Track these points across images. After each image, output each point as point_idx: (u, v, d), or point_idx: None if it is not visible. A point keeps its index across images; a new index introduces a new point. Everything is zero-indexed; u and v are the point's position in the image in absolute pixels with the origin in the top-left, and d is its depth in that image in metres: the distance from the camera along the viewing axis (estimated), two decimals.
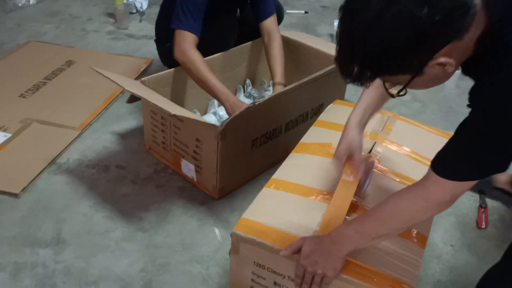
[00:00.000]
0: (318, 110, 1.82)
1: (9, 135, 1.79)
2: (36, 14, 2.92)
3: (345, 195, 1.10)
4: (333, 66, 1.79)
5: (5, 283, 1.27)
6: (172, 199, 1.59)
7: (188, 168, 1.63)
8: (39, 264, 1.33)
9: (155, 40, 2.05)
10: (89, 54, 2.45)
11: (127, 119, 1.96)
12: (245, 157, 1.61)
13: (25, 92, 2.07)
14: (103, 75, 1.45)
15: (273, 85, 1.81)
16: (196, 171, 1.61)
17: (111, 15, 2.92)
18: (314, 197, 1.15)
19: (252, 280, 1.12)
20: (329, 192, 1.16)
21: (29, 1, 2.99)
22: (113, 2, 2.79)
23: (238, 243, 1.08)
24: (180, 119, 1.54)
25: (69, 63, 2.33)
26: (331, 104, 1.57)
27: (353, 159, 1.12)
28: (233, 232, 1.07)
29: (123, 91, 2.08)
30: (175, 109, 1.42)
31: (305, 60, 2.01)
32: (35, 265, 1.32)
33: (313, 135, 1.41)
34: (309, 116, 1.81)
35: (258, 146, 1.63)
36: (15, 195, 1.54)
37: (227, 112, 1.60)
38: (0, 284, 1.26)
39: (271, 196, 1.17)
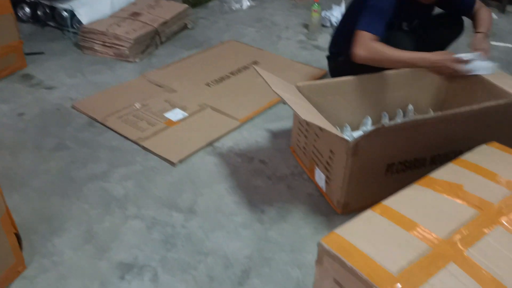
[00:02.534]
0: None
1: (186, 114, 2.11)
2: (244, 18, 3.30)
3: None
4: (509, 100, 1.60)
5: (140, 231, 1.52)
6: (298, 202, 1.65)
7: (320, 177, 1.67)
8: (170, 225, 1.55)
9: (327, 56, 2.13)
10: (274, 58, 2.67)
11: (284, 121, 2.09)
12: (377, 180, 1.56)
13: (211, 81, 2.39)
14: (259, 73, 1.60)
15: (474, 35, 1.86)
16: (326, 181, 1.63)
17: (306, 26, 3.11)
18: (416, 234, 1.07)
19: None
20: (435, 235, 1.06)
21: (242, 6, 3.41)
22: (310, 14, 2.97)
23: (322, 255, 1.09)
24: (320, 128, 1.58)
25: (254, 63, 2.59)
26: (484, 145, 1.40)
27: None
28: (320, 243, 1.08)
29: None
30: (310, 116, 1.47)
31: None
32: (166, 224, 1.55)
33: (446, 171, 1.29)
34: None
35: (394, 172, 1.57)
36: (172, 164, 1.82)
37: (436, 68, 1.69)
38: (136, 230, 1.52)
39: (371, 220, 1.13)
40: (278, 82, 1.65)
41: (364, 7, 1.74)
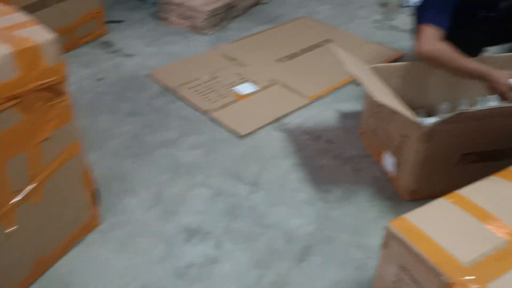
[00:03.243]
0: None
1: (256, 88, 2.12)
2: None
3: None
4: None
5: (206, 199, 1.57)
6: (363, 185, 1.62)
7: (388, 161, 1.62)
8: (234, 195, 1.58)
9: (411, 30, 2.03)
10: (347, 36, 2.61)
11: (355, 102, 2.05)
12: (448, 169, 1.49)
13: (282, 57, 2.38)
14: (334, 52, 1.57)
15: None
16: (394, 166, 1.59)
17: (383, 5, 3.00)
18: (492, 226, 1.02)
19: (393, 282, 1.09)
20: None
21: None
22: None
23: (389, 238, 1.06)
24: (394, 111, 1.53)
25: (327, 41, 2.53)
26: None
27: None
28: (388, 226, 1.06)
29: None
30: (384, 97, 1.43)
31: None
32: (231, 194, 1.58)
33: None
34: None
35: (468, 163, 1.49)
36: (239, 136, 1.84)
37: (494, 86, 1.52)
38: (202, 197, 1.57)
39: (444, 208, 1.09)
40: (353, 62, 1.61)
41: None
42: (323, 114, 1.99)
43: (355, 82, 2.18)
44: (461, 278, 0.91)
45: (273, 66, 2.31)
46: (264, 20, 2.86)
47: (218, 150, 1.78)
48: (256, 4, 3.03)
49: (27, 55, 1.02)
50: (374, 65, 1.70)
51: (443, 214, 1.07)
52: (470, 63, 1.53)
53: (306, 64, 2.33)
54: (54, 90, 1.12)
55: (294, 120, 1.95)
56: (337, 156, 1.75)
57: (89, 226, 1.42)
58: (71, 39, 2.43)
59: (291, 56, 2.39)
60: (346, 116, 1.97)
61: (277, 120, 1.94)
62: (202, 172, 1.68)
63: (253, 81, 2.17)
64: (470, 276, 0.91)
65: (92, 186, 1.39)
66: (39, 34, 1.07)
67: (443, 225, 1.04)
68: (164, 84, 2.18)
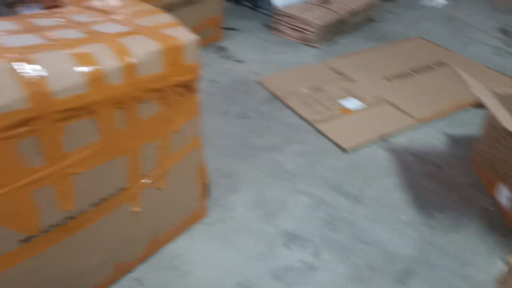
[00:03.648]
0: None
1: (362, 105, 2.12)
2: (434, 15, 3.14)
3: None
4: None
5: (306, 206, 1.59)
6: (471, 215, 1.55)
7: (503, 194, 1.54)
8: (335, 207, 1.59)
9: None
10: (462, 60, 2.50)
11: (468, 128, 1.96)
12: None
13: (391, 76, 2.35)
14: (458, 73, 1.52)
15: None
16: (510, 201, 1.50)
17: (505, 32, 2.84)
18: None
19: None
20: None
21: (433, 4, 3.24)
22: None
23: (510, 273, 1.01)
24: None
25: (439, 63, 2.46)
26: None
27: None
28: (508, 260, 1.01)
29: (478, 106, 2.07)
30: None
31: None
32: (332, 206, 1.60)
33: None
34: None
35: None
36: (344, 150, 1.85)
37: None
38: (303, 204, 1.60)
39: None
40: (478, 86, 1.55)
41: None
42: (432, 137, 1.93)
43: (471, 107, 2.09)
44: None
45: (381, 84, 2.29)
46: (374, 37, 2.85)
47: (321, 161, 1.81)
48: (367, 21, 3.03)
49: (172, 53, 1.12)
50: (497, 90, 1.62)
51: None
52: None
53: (416, 85, 2.28)
54: (188, 87, 1.22)
55: (400, 140, 1.91)
56: (444, 182, 1.69)
57: (197, 216, 1.51)
58: None
59: (400, 76, 2.35)
60: (456, 142, 1.90)
61: (382, 138, 1.92)
62: (304, 180, 1.71)
63: (359, 97, 2.17)
64: None
65: (205, 180, 1.48)
66: (183, 34, 1.17)
67: None
68: (271, 91, 2.25)
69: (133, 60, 1.04)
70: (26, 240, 1.02)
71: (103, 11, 1.26)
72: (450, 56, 2.55)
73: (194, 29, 2.80)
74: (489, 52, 2.65)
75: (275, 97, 2.22)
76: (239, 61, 2.56)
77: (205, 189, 1.50)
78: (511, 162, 1.51)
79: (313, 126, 2.00)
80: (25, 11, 2.80)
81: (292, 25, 2.79)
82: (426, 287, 1.31)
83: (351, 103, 2.13)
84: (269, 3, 3.01)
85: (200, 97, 1.29)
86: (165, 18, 1.25)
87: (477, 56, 2.60)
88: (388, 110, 2.09)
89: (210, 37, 2.70)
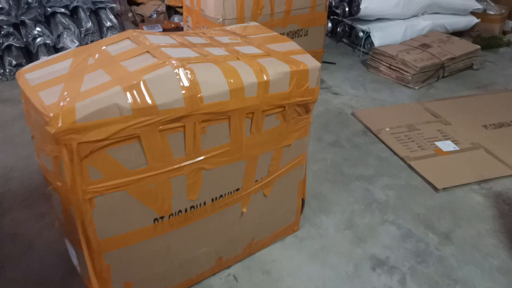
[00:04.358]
0: None
1: (457, 148, 2.14)
2: None
3: None
4: None
5: (395, 236, 1.65)
6: None
7: None
8: (424, 241, 1.63)
9: None
10: None
11: None
12: None
13: (489, 124, 2.35)
14: None
15: None
16: None
17: None
18: None
19: None
20: None
21: None
22: None
23: None
24: None
25: None
26: None
27: None
28: None
29: None
30: None
31: None
32: (421, 239, 1.63)
33: None
34: None
35: None
36: (436, 189, 1.88)
37: None
38: (392, 234, 1.65)
39: None
40: None
41: None
42: None
43: None
44: None
45: (478, 130, 2.30)
46: (473, 85, 2.85)
47: (412, 197, 1.85)
48: (468, 68, 3.04)
49: (299, 76, 1.27)
50: None
51: None
52: None
53: None
54: (306, 108, 1.35)
55: (496, 188, 1.91)
56: None
57: (291, 229, 1.62)
58: None
59: (499, 125, 2.34)
60: None
61: (477, 183, 1.93)
62: (393, 211, 1.77)
63: (455, 140, 2.19)
64: None
65: (303, 195, 1.59)
66: (309, 61, 1.31)
67: None
68: (366, 124, 2.34)
69: (268, 78, 1.20)
70: (158, 219, 1.18)
71: (240, 35, 1.44)
72: None
73: None
74: None
75: (369, 130, 2.30)
76: (335, 93, 2.69)
77: (302, 204, 1.61)
78: None
79: (405, 162, 2.05)
80: (148, 29, 3.15)
81: (390, 64, 2.88)
82: None
83: (446, 145, 2.16)
84: (368, 42, 3.12)
85: (311, 119, 1.42)
86: (292, 45, 1.41)
87: None
88: (483, 156, 2.09)
89: None
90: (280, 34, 2.60)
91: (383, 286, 1.45)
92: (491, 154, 2.10)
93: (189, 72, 1.08)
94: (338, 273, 1.49)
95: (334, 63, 3.07)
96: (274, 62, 1.26)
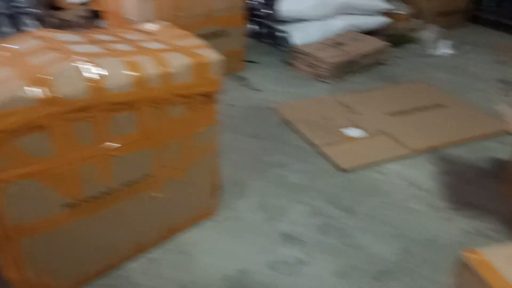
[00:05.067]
0: None
1: (364, 134, 2.36)
2: (439, 64, 3.41)
3: None
4: None
5: (303, 214, 1.82)
6: (450, 233, 1.74)
7: None
8: (329, 216, 1.81)
9: None
10: (458, 104, 2.74)
11: (454, 162, 2.18)
12: None
13: (393, 112, 2.59)
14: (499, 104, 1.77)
15: None
16: None
17: (504, 82, 3.07)
18: None
19: None
20: None
21: (440, 53, 3.52)
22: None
23: (462, 270, 1.20)
24: None
25: (438, 105, 2.69)
26: None
27: None
28: (462, 256, 1.20)
29: (471, 141, 2.31)
30: None
31: None
32: (326, 215, 1.81)
33: None
34: None
35: None
36: (342, 170, 2.08)
37: None
38: (300, 212, 1.82)
39: None
40: None
41: None
42: (422, 166, 2.14)
43: (464, 145, 2.31)
44: None
45: (383, 118, 2.53)
46: (381, 78, 3.12)
47: (321, 178, 2.03)
48: (376, 63, 3.30)
49: (200, 67, 1.40)
50: None
51: None
52: None
53: (415, 121, 2.51)
54: (210, 97, 1.48)
55: (394, 167, 2.14)
56: (428, 204, 1.90)
57: (208, 213, 1.74)
58: None
59: (402, 113, 2.60)
60: (442, 172, 2.11)
61: (378, 163, 2.15)
62: (304, 192, 1.94)
63: (362, 128, 2.41)
64: None
65: (217, 181, 1.72)
66: (209, 54, 1.45)
67: None
68: (283, 117, 2.51)
69: (170, 70, 1.31)
70: (69, 206, 1.26)
71: (148, 33, 1.55)
72: (450, 100, 2.79)
73: None
74: (486, 100, 2.88)
75: (286, 122, 2.47)
76: (256, 90, 2.85)
77: (217, 190, 1.74)
78: None
79: (317, 149, 2.24)
80: None
81: (307, 61, 3.08)
82: (399, 286, 1.51)
83: (354, 132, 2.37)
84: (288, 41, 3.32)
85: (218, 108, 1.55)
86: (196, 41, 1.54)
87: (475, 103, 2.82)
88: (386, 140, 2.32)
89: (232, 68, 3.01)
90: (201, 35, 2.73)
91: (291, 257, 1.61)
92: (392, 138, 2.34)
93: (92, 65, 1.18)
94: (251, 249, 1.63)
95: (258, 62, 3.23)
96: (177, 56, 1.38)
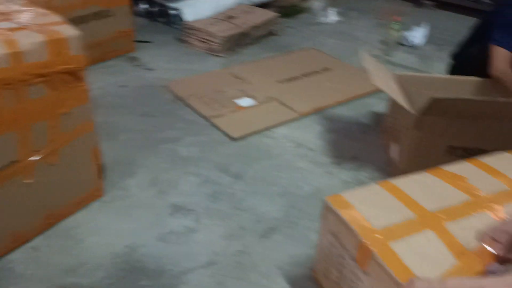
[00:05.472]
0: None
1: (254, 102, 2.42)
2: (329, 30, 3.56)
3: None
4: None
5: (194, 184, 1.84)
6: (331, 186, 1.86)
7: (393, 150, 1.86)
8: (219, 183, 1.85)
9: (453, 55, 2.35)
10: (345, 66, 2.90)
11: (338, 120, 2.31)
12: (438, 157, 1.72)
13: (283, 79, 2.68)
14: (366, 67, 1.89)
15: None
16: (397, 154, 1.90)
17: (385, 43, 3.28)
18: (407, 205, 1.24)
19: (328, 247, 1.31)
20: (424, 208, 1.22)
21: (329, 20, 3.67)
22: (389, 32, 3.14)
23: (326, 211, 1.30)
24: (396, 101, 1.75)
25: (325, 69, 2.83)
26: (505, 152, 1.51)
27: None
28: (325, 200, 1.29)
29: (354, 99, 2.45)
30: (382, 84, 1.82)
31: None
32: (216, 183, 1.85)
33: (458, 166, 1.42)
34: None
35: (455, 156, 1.72)
36: (233, 138, 2.13)
37: None
38: (192, 183, 1.84)
39: (375, 191, 1.32)
40: (376, 67, 1.98)
41: (500, 22, 1.95)
42: (309, 127, 2.25)
43: (347, 104, 2.45)
44: (371, 237, 1.14)
45: (273, 86, 2.61)
46: (273, 48, 3.19)
47: (212, 149, 2.07)
48: (269, 35, 3.38)
49: (55, 44, 1.35)
50: (398, 73, 2.14)
51: (372, 195, 1.30)
52: None
53: (302, 86, 2.62)
54: (74, 75, 1.44)
55: (283, 131, 2.22)
56: (313, 161, 2.00)
57: (94, 195, 1.71)
58: (103, 52, 2.81)
59: (291, 79, 2.69)
60: (329, 130, 2.23)
61: (268, 129, 2.22)
62: (195, 164, 1.96)
63: (253, 97, 2.47)
64: (378, 235, 1.14)
65: (99, 161, 1.69)
66: (67, 30, 1.40)
67: (369, 202, 1.27)
68: (176, 94, 2.50)
69: (19, 49, 1.25)
70: None
71: (3, 13, 1.46)
72: (336, 63, 2.93)
73: (106, 41, 3.04)
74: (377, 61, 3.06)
75: (179, 98, 2.47)
76: (149, 69, 2.80)
77: (100, 170, 1.71)
78: (396, 124, 1.90)
79: (209, 121, 2.26)
80: None
81: (199, 37, 3.08)
82: (285, 239, 1.59)
83: (245, 102, 2.42)
84: (180, 19, 3.29)
85: (87, 86, 1.51)
86: (54, 18, 1.48)
87: (359, 63, 2.99)
88: (276, 106, 2.40)
89: (123, 48, 2.93)
90: (81, 16, 2.62)
91: (180, 226, 1.63)
92: (282, 103, 2.42)
93: None
94: (140, 224, 1.63)
95: (150, 42, 3.17)
96: (29, 34, 1.32)
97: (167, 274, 1.44)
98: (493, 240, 1.10)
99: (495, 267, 1.07)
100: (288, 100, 2.45)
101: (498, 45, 1.90)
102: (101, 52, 2.79)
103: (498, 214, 1.22)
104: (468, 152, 1.73)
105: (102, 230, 1.60)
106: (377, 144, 2.13)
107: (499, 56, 1.90)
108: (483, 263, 1.07)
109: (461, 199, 1.27)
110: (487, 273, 1.06)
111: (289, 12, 3.74)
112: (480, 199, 1.27)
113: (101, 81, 2.61)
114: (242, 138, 2.14)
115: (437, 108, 1.63)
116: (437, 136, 1.72)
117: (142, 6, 3.58)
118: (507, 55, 1.89)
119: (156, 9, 3.50)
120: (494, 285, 0.87)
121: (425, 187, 1.33)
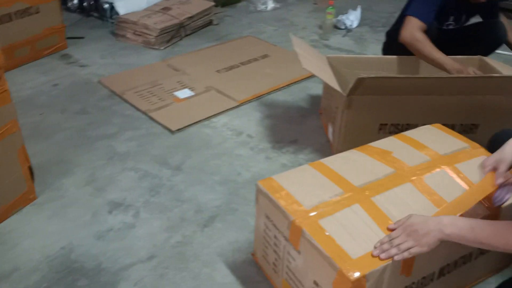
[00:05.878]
0: (471, 129, 1.86)
1: (193, 93, 2.40)
2: (267, 17, 3.58)
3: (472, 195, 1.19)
4: None
5: (133, 179, 1.81)
6: (271, 169, 1.88)
7: (329, 131, 1.89)
8: (158, 177, 1.83)
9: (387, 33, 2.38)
10: (283, 52, 2.92)
11: (276, 106, 2.33)
12: (371, 135, 1.73)
13: (222, 69, 2.67)
14: (297, 52, 1.90)
15: None
16: (332, 134, 1.92)
17: (321, 27, 3.34)
18: (336, 182, 1.28)
19: (264, 230, 1.33)
20: (351, 184, 1.26)
21: (266, 8, 3.68)
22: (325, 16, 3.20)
23: (258, 194, 1.32)
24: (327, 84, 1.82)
25: (264, 56, 2.84)
26: (428, 126, 1.58)
27: (497, 170, 1.20)
28: (256, 184, 1.31)
29: (292, 84, 2.48)
30: (313, 67, 1.84)
31: None
32: (155, 176, 1.83)
33: (385, 142, 1.48)
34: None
35: (387, 133, 1.79)
36: (171, 131, 2.10)
37: (457, 70, 1.84)
38: (130, 178, 1.81)
39: (305, 171, 1.35)
40: (307, 50, 2.00)
41: None
42: (248, 115, 2.26)
43: (283, 89, 2.47)
44: (301, 216, 1.16)
45: (212, 75, 2.60)
46: (213, 38, 3.18)
47: (151, 142, 2.04)
48: (208, 25, 3.35)
49: None
50: (329, 56, 2.17)
51: (302, 175, 1.33)
52: (437, 54, 1.88)
53: (241, 74, 2.63)
54: None
55: (223, 120, 2.22)
56: (253, 148, 2.02)
57: (26, 198, 1.65)
58: (33, 51, 2.70)
59: (230, 68, 2.69)
60: (268, 116, 2.25)
61: (207, 119, 2.21)
62: (133, 159, 1.93)
63: (191, 88, 2.45)
64: (309, 214, 1.17)
65: (28, 162, 1.63)
66: None
67: (299, 182, 1.30)
68: (112, 89, 2.44)
69: None
70: None
71: None
72: (274, 50, 2.95)
73: (35, 39, 2.92)
74: (308, 45, 3.11)
75: (115, 94, 2.41)
76: (82, 66, 2.72)
77: (30, 172, 1.65)
78: (331, 105, 1.94)
79: (147, 115, 2.23)
80: None
81: (135, 30, 3.01)
82: (226, 226, 1.60)
83: (183, 93, 2.40)
84: (115, 13, 3.20)
85: (7, 86, 1.45)
86: None
87: None
88: (215, 96, 2.40)
89: (54, 46, 2.82)
90: (5, 14, 2.50)
91: (118, 223, 1.60)
92: (221, 92, 2.42)
93: None
94: (77, 224, 1.59)
95: (82, 37, 3.07)
96: None
97: (106, 272, 1.42)
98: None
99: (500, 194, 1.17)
100: (227, 89, 2.45)
101: (411, 15, 1.95)
102: (31, 51, 2.68)
103: (421, 184, 1.28)
104: (399, 129, 1.81)
105: (37, 233, 1.55)
106: (316, 127, 2.18)
107: (410, 24, 1.93)
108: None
109: (386, 172, 1.32)
110: (494, 201, 1.18)
111: (228, 1, 3.72)
112: (404, 171, 1.32)
113: (33, 80, 2.51)
114: (181, 130, 2.12)
115: (364, 87, 1.68)
116: (367, 115, 1.78)
117: (74, 1, 3.45)
118: (419, 24, 1.92)
119: (88, 3, 3.39)
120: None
121: (353, 163, 1.37)
